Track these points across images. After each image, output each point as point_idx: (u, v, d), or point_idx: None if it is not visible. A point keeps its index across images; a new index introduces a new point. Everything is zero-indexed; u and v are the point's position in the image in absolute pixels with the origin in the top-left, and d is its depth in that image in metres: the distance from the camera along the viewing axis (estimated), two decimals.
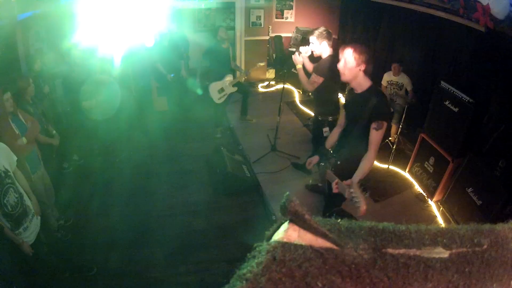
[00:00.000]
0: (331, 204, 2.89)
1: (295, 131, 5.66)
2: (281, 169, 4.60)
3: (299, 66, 3.55)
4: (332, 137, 2.80)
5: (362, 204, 1.99)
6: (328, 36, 3.31)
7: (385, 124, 2.25)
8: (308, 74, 3.58)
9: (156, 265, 3.21)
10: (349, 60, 2.33)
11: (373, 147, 2.29)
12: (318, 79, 3.32)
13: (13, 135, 2.76)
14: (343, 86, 3.91)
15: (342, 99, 5.13)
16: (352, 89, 2.52)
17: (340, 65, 2.39)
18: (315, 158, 2.77)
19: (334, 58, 3.23)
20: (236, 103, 5.85)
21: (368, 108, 2.26)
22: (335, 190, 2.26)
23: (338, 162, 2.59)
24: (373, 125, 2.25)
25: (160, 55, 5.17)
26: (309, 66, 3.69)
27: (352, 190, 2.04)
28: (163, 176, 4.47)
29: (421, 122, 4.98)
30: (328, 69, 3.25)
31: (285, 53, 7.34)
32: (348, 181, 2.18)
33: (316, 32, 3.31)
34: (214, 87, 5.18)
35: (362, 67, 2.33)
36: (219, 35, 5.02)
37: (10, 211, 2.27)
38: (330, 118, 3.57)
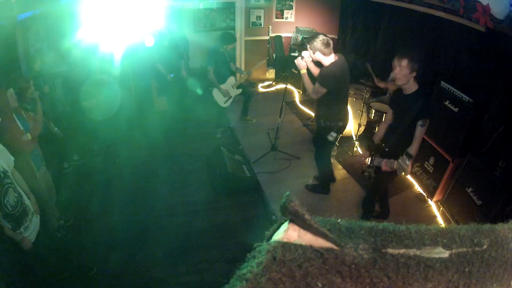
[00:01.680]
0: (380, 184, 3.40)
1: (295, 131, 5.66)
2: (281, 169, 4.60)
3: (303, 71, 3.46)
4: (380, 132, 3.19)
5: (408, 165, 2.56)
6: (323, 46, 3.17)
7: (428, 121, 2.66)
8: (313, 78, 3.46)
9: (156, 265, 3.21)
10: (405, 68, 2.66)
11: (417, 140, 2.72)
12: (322, 90, 3.28)
13: (19, 131, 2.78)
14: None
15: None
16: (400, 90, 2.87)
17: (396, 72, 2.71)
18: (367, 154, 3.11)
19: (337, 66, 3.23)
20: (236, 103, 5.84)
21: (415, 107, 2.66)
22: (384, 168, 2.75)
23: (386, 149, 2.96)
24: (419, 122, 2.66)
25: (160, 55, 5.17)
26: (315, 70, 3.54)
27: (399, 160, 2.63)
28: (163, 176, 4.47)
29: None
30: (332, 79, 3.22)
31: (285, 54, 7.34)
32: (392, 161, 2.73)
33: (310, 44, 3.22)
34: (218, 91, 5.15)
35: (414, 73, 2.71)
36: (227, 47, 4.95)
37: (10, 211, 2.27)
38: (340, 124, 3.57)
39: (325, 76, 3.25)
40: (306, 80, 3.44)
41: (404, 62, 2.65)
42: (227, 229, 3.67)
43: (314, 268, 0.31)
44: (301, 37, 6.82)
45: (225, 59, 5.17)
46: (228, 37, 5.04)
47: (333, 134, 3.57)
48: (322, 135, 3.67)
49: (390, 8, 5.45)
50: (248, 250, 0.34)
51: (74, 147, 4.54)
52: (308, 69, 3.51)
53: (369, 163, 3.05)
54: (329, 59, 3.26)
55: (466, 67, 4.16)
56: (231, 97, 5.27)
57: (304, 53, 3.42)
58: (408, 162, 2.60)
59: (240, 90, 5.33)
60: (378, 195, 3.62)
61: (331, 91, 3.31)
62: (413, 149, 2.74)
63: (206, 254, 3.35)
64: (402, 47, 5.46)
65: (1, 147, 2.40)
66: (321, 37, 3.20)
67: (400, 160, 2.59)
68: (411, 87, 2.76)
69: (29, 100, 3.41)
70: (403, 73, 2.67)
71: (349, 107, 4.95)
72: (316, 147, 4.08)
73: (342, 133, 3.80)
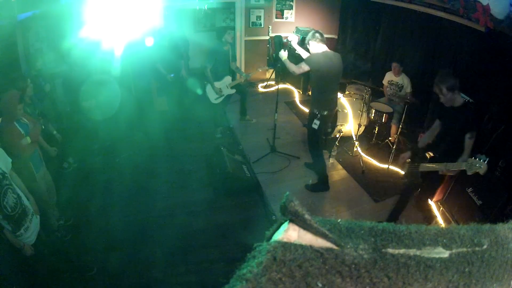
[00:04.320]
0: (432, 188, 3.41)
1: (295, 131, 5.66)
2: (281, 169, 4.60)
3: (284, 58, 3.90)
4: (424, 138, 3.35)
5: (484, 164, 2.57)
6: (312, 36, 3.62)
7: (475, 133, 2.86)
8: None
9: (156, 265, 3.21)
10: (446, 93, 2.87)
11: (467, 151, 2.88)
12: (305, 67, 3.64)
13: (18, 135, 2.79)
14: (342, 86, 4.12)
15: (342, 100, 5.12)
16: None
17: (441, 99, 2.94)
18: (408, 154, 3.32)
19: (324, 54, 3.60)
20: (236, 103, 5.85)
21: (462, 120, 2.86)
22: (445, 172, 2.95)
23: (437, 155, 3.11)
24: (468, 135, 2.85)
25: (160, 55, 5.16)
26: (304, 54, 4.04)
27: (469, 160, 2.67)
28: (163, 176, 4.47)
29: (421, 122, 4.99)
30: (315, 60, 3.58)
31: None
32: (457, 163, 2.83)
33: (307, 37, 3.72)
34: (211, 88, 5.17)
35: (456, 90, 2.87)
36: (226, 38, 4.98)
37: (10, 212, 2.27)
38: (325, 113, 3.78)
39: (310, 57, 3.66)
40: (288, 63, 3.85)
41: (444, 90, 2.86)
42: (227, 229, 3.67)
43: (314, 268, 0.31)
44: (300, 37, 6.80)
45: (226, 58, 5.18)
46: (223, 29, 5.11)
47: (317, 122, 3.80)
48: (309, 123, 3.93)
49: (390, 8, 5.45)
50: (248, 250, 0.34)
51: (74, 148, 4.54)
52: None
53: (412, 167, 3.20)
54: (319, 48, 3.62)
55: (466, 67, 4.16)
56: (223, 95, 5.27)
57: (291, 36, 3.99)
58: (483, 162, 2.59)
59: (234, 90, 5.35)
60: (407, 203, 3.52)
61: (316, 78, 3.67)
62: (463, 159, 2.85)
63: (206, 254, 3.35)
64: (402, 47, 5.47)
65: None
66: (313, 31, 3.67)
67: (469, 160, 2.65)
68: (457, 101, 2.93)
69: (28, 101, 3.41)
70: (447, 98, 2.89)
71: (348, 105, 5.01)
72: (308, 138, 4.19)
73: (327, 124, 4.07)
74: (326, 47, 3.67)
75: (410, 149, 3.41)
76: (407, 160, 3.32)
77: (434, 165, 2.96)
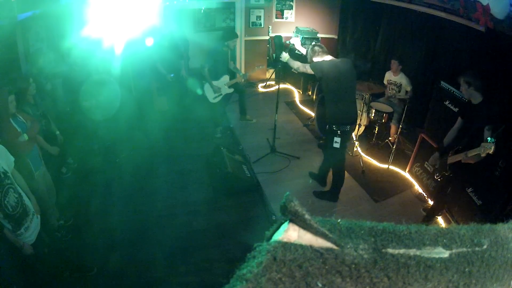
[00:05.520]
0: (460, 176, 3.43)
1: (295, 131, 5.67)
2: (281, 169, 4.60)
3: (286, 58, 3.86)
4: (449, 136, 3.47)
5: (492, 142, 2.77)
6: (316, 52, 3.54)
7: (492, 126, 3.05)
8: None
9: (156, 265, 3.21)
10: (464, 89, 3.18)
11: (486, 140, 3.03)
12: (308, 69, 3.49)
13: (15, 133, 2.78)
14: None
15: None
16: (470, 101, 3.27)
17: (463, 91, 3.24)
18: (436, 155, 3.54)
19: (329, 63, 3.44)
20: (235, 103, 5.85)
21: (483, 114, 3.08)
22: (465, 160, 3.08)
23: (460, 148, 3.29)
24: (487, 127, 3.03)
25: (160, 55, 5.17)
26: (304, 51, 4.08)
27: (482, 144, 2.83)
28: (163, 176, 4.47)
29: (421, 122, 4.99)
30: (319, 68, 3.42)
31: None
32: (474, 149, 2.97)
33: (308, 54, 3.64)
34: (209, 87, 5.17)
35: (472, 88, 3.12)
36: (229, 43, 4.96)
37: (11, 211, 2.27)
38: (347, 128, 3.48)
39: (315, 63, 3.50)
40: (292, 61, 3.76)
41: (464, 88, 3.16)
42: (227, 229, 3.67)
43: (314, 268, 0.31)
44: (301, 37, 6.81)
45: (226, 58, 5.18)
46: (229, 33, 5.08)
47: (337, 140, 3.45)
48: (328, 142, 3.62)
49: (390, 8, 5.45)
50: (248, 250, 0.34)
51: (74, 148, 4.54)
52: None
53: (441, 166, 3.44)
54: (323, 59, 3.52)
55: (466, 67, 4.16)
56: (221, 94, 5.28)
57: (293, 39, 3.96)
58: (491, 142, 2.81)
59: (232, 90, 5.36)
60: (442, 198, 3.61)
61: (326, 87, 3.44)
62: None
63: (206, 254, 3.35)
64: (402, 47, 5.47)
65: (1, 147, 2.39)
66: (311, 47, 3.60)
67: (482, 144, 2.83)
68: (476, 98, 3.15)
69: (31, 100, 3.41)
70: (469, 93, 3.16)
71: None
72: (325, 158, 4.05)
73: (349, 139, 3.85)
74: (331, 57, 3.53)
75: (436, 149, 3.63)
76: (437, 160, 3.55)
77: (457, 156, 3.19)
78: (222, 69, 5.19)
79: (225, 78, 5.24)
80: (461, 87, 3.22)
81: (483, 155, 2.81)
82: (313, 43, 3.67)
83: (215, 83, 5.15)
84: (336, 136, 3.45)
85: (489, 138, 2.79)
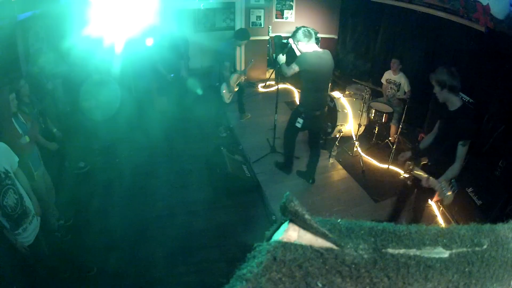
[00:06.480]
0: (423, 198, 3.20)
1: None
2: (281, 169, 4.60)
3: (282, 62, 3.91)
4: (426, 140, 3.12)
5: (450, 194, 2.46)
6: (303, 35, 3.55)
7: (469, 141, 2.61)
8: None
9: (156, 265, 3.21)
10: (436, 86, 2.68)
11: (459, 159, 2.64)
12: (295, 67, 3.62)
13: (16, 134, 2.79)
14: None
15: (342, 100, 5.12)
16: (446, 105, 2.75)
17: (438, 96, 2.74)
18: (407, 154, 3.13)
19: (313, 53, 3.56)
20: (235, 102, 5.86)
21: (456, 126, 2.63)
22: (424, 185, 2.68)
23: (429, 164, 2.97)
24: (461, 142, 2.59)
25: (160, 55, 5.16)
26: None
27: (442, 184, 2.51)
28: (163, 176, 4.47)
29: (421, 122, 4.99)
30: (303, 60, 3.54)
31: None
32: (435, 180, 2.62)
33: (293, 35, 3.65)
34: (226, 87, 5.21)
35: (446, 90, 2.63)
36: (240, 43, 5.10)
37: (10, 212, 2.27)
38: (317, 113, 3.79)
39: (299, 57, 3.61)
40: (284, 67, 3.83)
41: (433, 81, 2.67)
42: (227, 229, 3.67)
43: (314, 268, 0.31)
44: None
45: (235, 57, 5.24)
46: (244, 33, 5.15)
47: (300, 121, 3.82)
48: (291, 119, 3.96)
49: (390, 8, 5.45)
50: (248, 250, 0.34)
51: (74, 148, 4.53)
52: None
53: (409, 168, 2.98)
54: (308, 48, 3.57)
55: (466, 67, 4.16)
56: (232, 94, 5.33)
57: (291, 39, 3.91)
58: (450, 191, 2.47)
59: (238, 87, 5.41)
60: (410, 211, 3.35)
61: (306, 77, 3.63)
62: (454, 168, 2.65)
63: (206, 254, 3.35)
64: (401, 47, 5.47)
65: (4, 147, 2.39)
66: (302, 29, 3.59)
67: (442, 184, 2.49)
68: (453, 103, 2.68)
69: (26, 100, 3.40)
70: (443, 96, 2.67)
71: (348, 105, 5.00)
72: (285, 131, 4.24)
73: (318, 125, 4.06)
74: (316, 46, 3.63)
75: (410, 149, 3.35)
76: (407, 160, 3.12)
77: (422, 173, 2.77)
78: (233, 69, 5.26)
79: (234, 77, 5.28)
80: (434, 88, 2.72)
81: (439, 196, 2.49)
82: (301, 26, 3.64)
83: (230, 82, 5.21)
84: (300, 117, 3.82)
85: (454, 184, 2.47)
